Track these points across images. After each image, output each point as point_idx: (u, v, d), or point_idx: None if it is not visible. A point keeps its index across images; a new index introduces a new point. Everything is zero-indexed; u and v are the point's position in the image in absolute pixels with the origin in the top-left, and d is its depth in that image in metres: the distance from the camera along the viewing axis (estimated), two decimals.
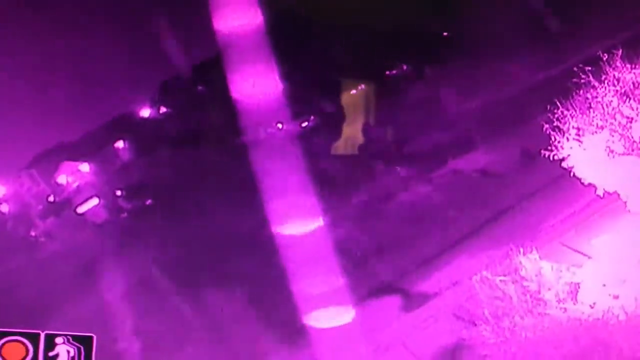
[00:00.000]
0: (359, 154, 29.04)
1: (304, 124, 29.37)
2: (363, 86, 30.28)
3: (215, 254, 27.09)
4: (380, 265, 26.34)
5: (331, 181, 28.04)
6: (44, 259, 27.52)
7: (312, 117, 29.47)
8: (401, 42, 29.98)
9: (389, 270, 26.17)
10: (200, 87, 30.19)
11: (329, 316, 25.30)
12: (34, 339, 15.47)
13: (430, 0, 29.62)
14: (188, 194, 28.39)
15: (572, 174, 22.97)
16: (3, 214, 28.46)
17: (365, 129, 29.68)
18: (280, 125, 28.39)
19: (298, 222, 26.67)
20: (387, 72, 30.72)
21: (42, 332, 15.47)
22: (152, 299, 26.10)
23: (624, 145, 22.32)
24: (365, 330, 24.97)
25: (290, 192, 26.74)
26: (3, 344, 15.30)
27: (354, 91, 30.19)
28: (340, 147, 29.43)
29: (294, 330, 25.16)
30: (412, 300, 25.24)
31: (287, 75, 28.15)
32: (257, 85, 27.77)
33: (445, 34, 30.39)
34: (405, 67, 30.60)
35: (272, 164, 27.18)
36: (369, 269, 26.30)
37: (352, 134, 29.61)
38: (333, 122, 29.73)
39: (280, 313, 25.44)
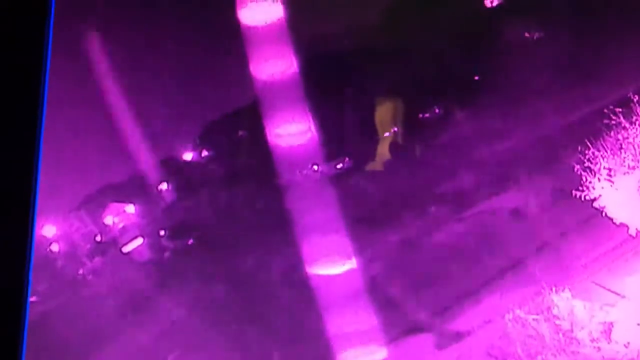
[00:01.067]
0: (393, 194, 29.25)
1: (339, 166, 29.75)
2: (396, 128, 30.64)
3: (252, 292, 27.42)
4: (413, 304, 26.26)
5: (365, 222, 28.26)
6: (91, 297, 28.02)
7: (346, 159, 29.83)
8: (434, 85, 30.34)
9: (422, 309, 26.08)
10: (240, 132, 30.86)
11: (362, 355, 25.36)
12: None
13: (461, 45, 30.02)
14: (227, 234, 28.83)
15: (603, 214, 22.94)
16: (53, 253, 29.17)
17: (399, 170, 29.95)
18: (315, 167, 28.87)
19: (332, 262, 26.94)
20: (420, 115, 31.04)
21: None
22: (192, 337, 26.47)
23: None
24: None
25: (325, 233, 27.07)
26: None
27: (387, 134, 30.53)
28: (374, 187, 29.72)
29: None
30: (445, 339, 25.10)
31: (322, 118, 28.73)
32: (293, 128, 28.44)
33: (476, 77, 30.68)
34: (437, 110, 30.90)
35: (308, 204, 27.60)
36: (403, 308, 26.25)
37: (386, 175, 29.89)
38: (367, 164, 30.07)
39: (314, 351, 25.57)
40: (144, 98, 28.07)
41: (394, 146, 30.58)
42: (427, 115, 30.95)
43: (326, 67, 29.71)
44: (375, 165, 30.15)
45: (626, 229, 22.84)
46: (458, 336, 24.74)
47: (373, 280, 26.79)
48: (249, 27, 28.00)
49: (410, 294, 26.48)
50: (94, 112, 27.61)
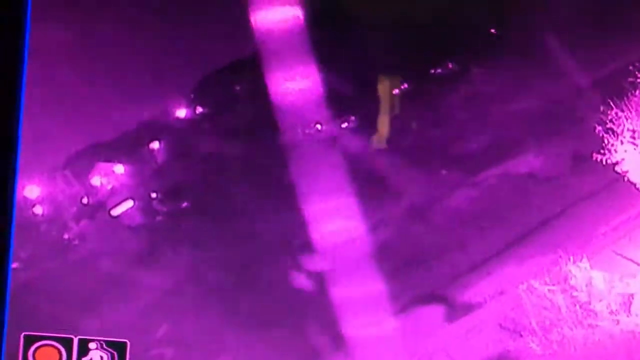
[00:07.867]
0: (401, 156, 29.03)
1: (344, 125, 29.45)
2: (406, 85, 30.24)
3: (251, 258, 27.41)
4: (423, 272, 26.39)
5: (372, 185, 28.13)
6: (77, 262, 28.00)
7: (352, 118, 29.52)
8: (446, 39, 29.87)
9: (432, 277, 26.21)
10: (237, 87, 30.47)
11: (369, 324, 25.49)
12: (67, 343, 16.06)
13: None
14: (224, 196, 28.69)
15: (626, 179, 22.87)
16: (36, 215, 29.03)
17: (408, 131, 29.68)
18: (319, 126, 28.58)
19: (337, 226, 26.92)
20: (432, 71, 30.61)
21: (76, 337, 16.04)
22: (186, 305, 26.54)
23: None
24: (407, 340, 25.12)
25: (329, 196, 26.98)
26: (37, 349, 15.93)
27: (396, 91, 30.15)
28: (382, 149, 29.46)
29: (332, 338, 25.42)
30: (456, 310, 25.27)
31: (327, 74, 28.33)
32: (295, 84, 28.07)
33: (493, 30, 30.19)
34: (450, 66, 30.47)
35: (311, 165, 27.44)
36: (412, 276, 26.37)
37: (394, 135, 29.61)
38: (374, 123, 29.75)
39: (318, 320, 25.71)
40: (132, 49, 27.60)
41: (403, 104, 30.23)
42: (439, 70, 30.55)
43: (332, 20, 29.23)
44: (383, 125, 29.82)
45: None
46: (470, 307, 24.90)
47: (380, 247, 26.81)
48: None
49: (419, 262, 26.57)
50: (80, 66, 27.16)
